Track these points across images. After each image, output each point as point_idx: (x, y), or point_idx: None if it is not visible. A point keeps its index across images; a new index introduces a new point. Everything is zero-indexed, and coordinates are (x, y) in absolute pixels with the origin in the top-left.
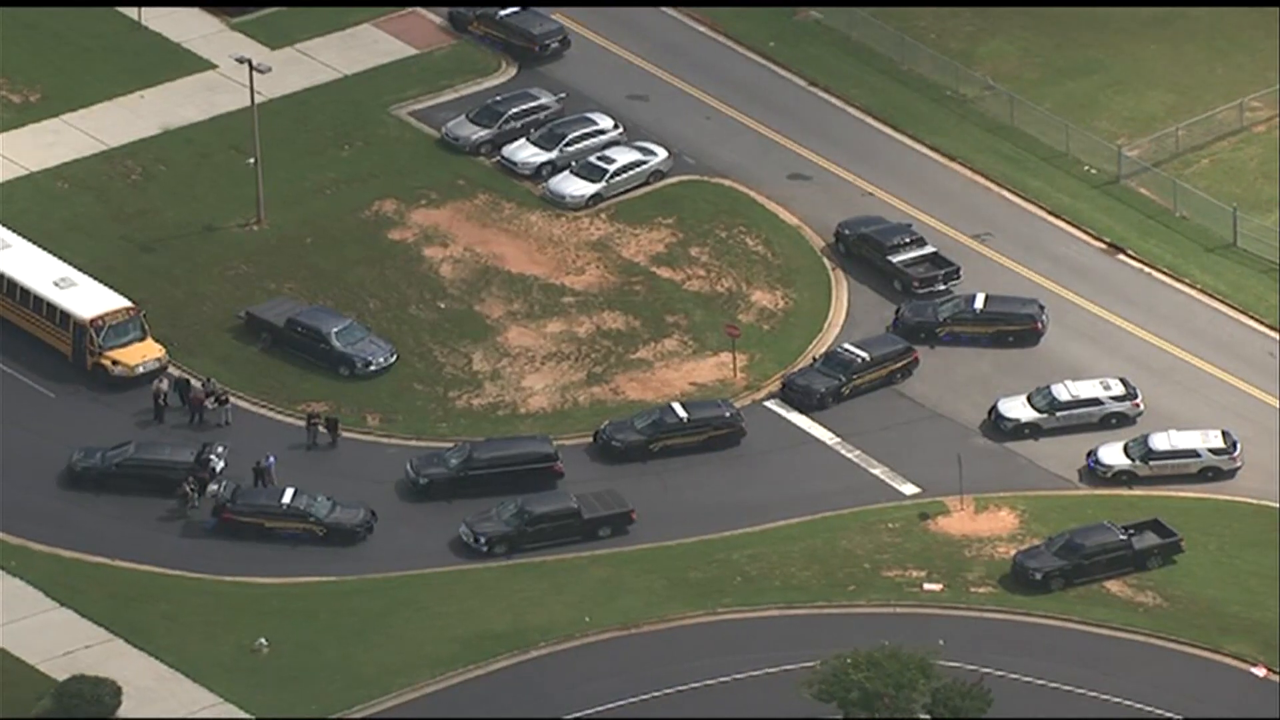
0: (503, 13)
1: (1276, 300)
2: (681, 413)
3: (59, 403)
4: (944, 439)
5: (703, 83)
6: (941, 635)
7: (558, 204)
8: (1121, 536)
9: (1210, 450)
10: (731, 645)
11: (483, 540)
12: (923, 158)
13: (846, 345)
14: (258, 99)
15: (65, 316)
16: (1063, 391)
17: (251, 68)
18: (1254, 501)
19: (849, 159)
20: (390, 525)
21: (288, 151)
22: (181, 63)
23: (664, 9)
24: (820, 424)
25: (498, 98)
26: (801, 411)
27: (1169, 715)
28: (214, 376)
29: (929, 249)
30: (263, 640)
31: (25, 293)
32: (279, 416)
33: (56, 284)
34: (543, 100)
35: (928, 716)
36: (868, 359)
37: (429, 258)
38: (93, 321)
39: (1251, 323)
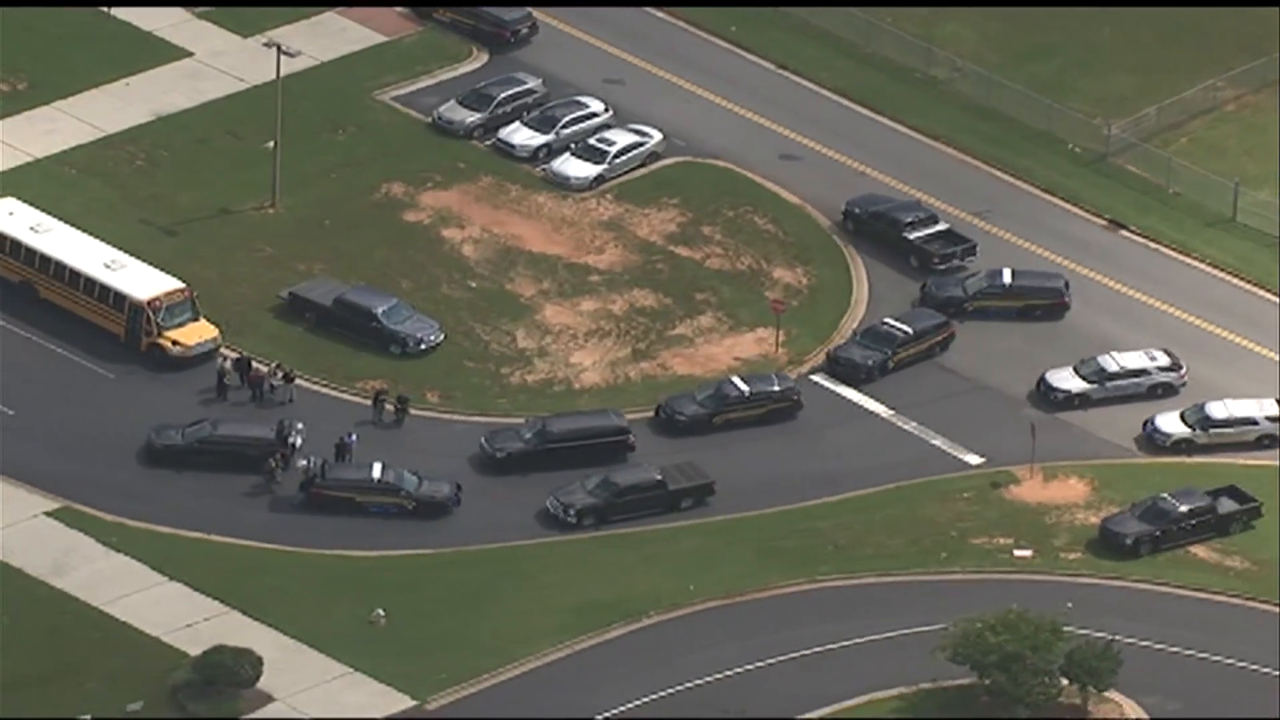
0: None
1: None
2: (743, 386)
3: (119, 383)
4: (994, 410)
5: (673, 67)
6: (1028, 601)
7: (561, 186)
8: (1207, 502)
9: (1268, 418)
10: (836, 613)
11: (571, 512)
12: (906, 138)
13: (888, 319)
14: (240, 86)
15: (120, 298)
16: (1110, 363)
17: (280, 51)
18: None
19: (834, 140)
20: (471, 499)
21: (283, 136)
22: (157, 51)
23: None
24: (871, 397)
25: (486, 82)
26: (849, 385)
27: None
28: (265, 356)
29: (942, 225)
30: (380, 611)
31: (75, 275)
32: (337, 394)
33: (107, 266)
34: (530, 85)
35: (1064, 680)
36: (910, 333)
37: (449, 239)
38: (150, 302)
39: (1268, 295)
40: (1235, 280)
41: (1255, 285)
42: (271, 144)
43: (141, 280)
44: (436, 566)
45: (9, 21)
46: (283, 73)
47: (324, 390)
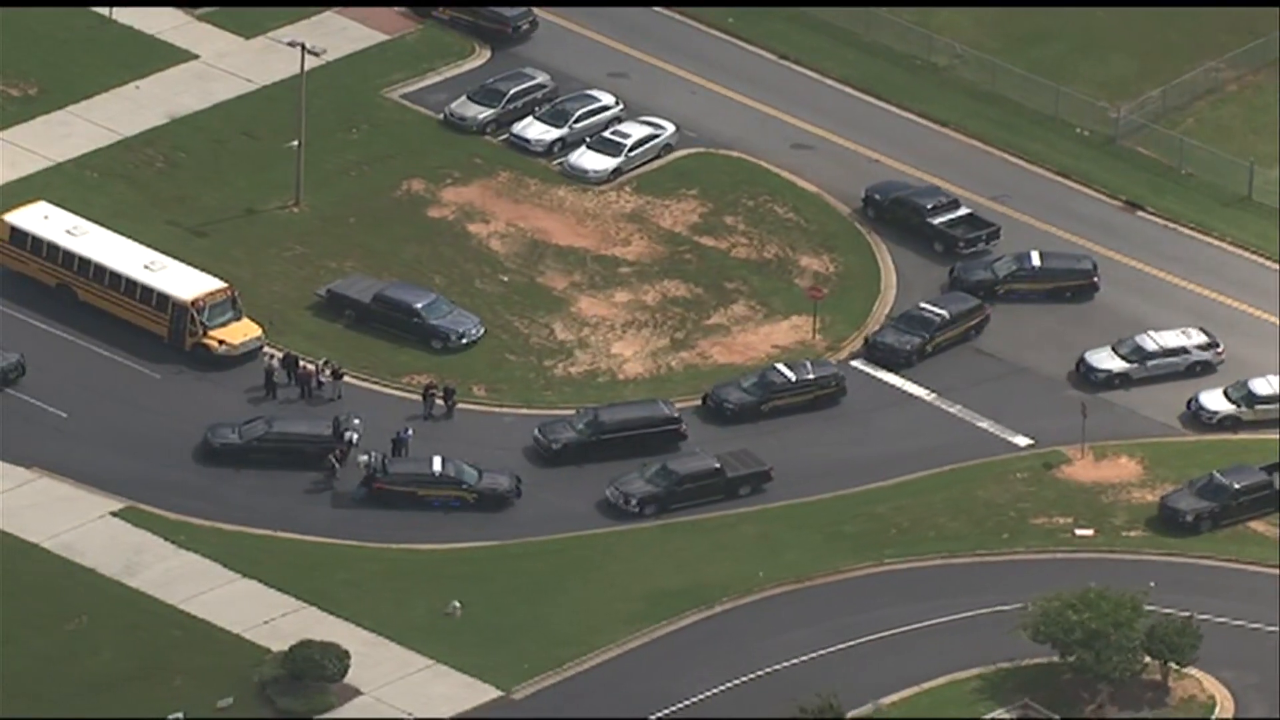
0: None
1: None
2: (789, 373)
3: (166, 383)
4: (1035, 391)
5: (676, 60)
6: (1093, 579)
7: (580, 179)
8: (1263, 478)
9: None
10: (906, 595)
11: (633, 501)
12: (915, 125)
13: (924, 304)
14: (250, 87)
15: (163, 299)
16: (1148, 342)
17: (304, 50)
18: None
19: (843, 128)
20: (530, 490)
21: (300, 135)
22: (162, 54)
23: None
24: (912, 381)
25: (495, 77)
26: (889, 369)
27: None
28: (307, 353)
29: (964, 210)
30: (456, 603)
31: (115, 277)
32: (383, 389)
33: (148, 267)
34: (539, 79)
35: (1146, 656)
36: (947, 316)
37: (476, 234)
38: (194, 302)
39: None
40: (1258, 258)
41: (1277, 262)
42: (295, 143)
43: (183, 280)
44: (504, 558)
45: (11, 26)
46: (292, 72)
47: (370, 386)
